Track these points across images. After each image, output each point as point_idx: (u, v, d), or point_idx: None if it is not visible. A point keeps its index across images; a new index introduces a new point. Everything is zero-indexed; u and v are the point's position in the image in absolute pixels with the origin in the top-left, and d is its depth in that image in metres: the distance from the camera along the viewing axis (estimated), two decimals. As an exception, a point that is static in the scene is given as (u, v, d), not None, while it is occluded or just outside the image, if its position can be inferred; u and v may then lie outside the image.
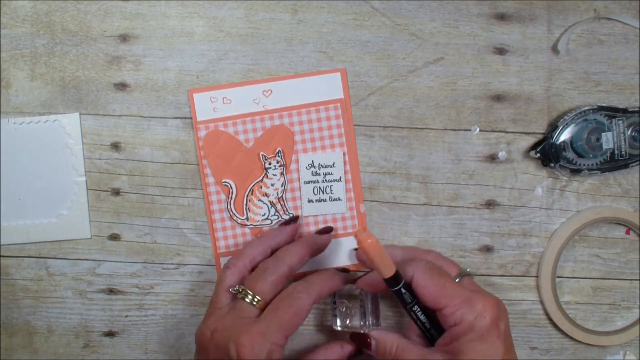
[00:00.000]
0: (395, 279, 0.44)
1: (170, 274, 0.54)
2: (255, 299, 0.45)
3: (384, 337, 0.47)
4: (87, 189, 0.53)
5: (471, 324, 0.43)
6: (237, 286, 0.46)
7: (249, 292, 0.45)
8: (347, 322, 0.49)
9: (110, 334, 0.54)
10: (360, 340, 0.48)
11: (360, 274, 0.52)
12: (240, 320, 0.44)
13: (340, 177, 0.52)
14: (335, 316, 0.50)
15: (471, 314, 0.43)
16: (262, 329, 0.43)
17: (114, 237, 0.53)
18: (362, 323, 0.48)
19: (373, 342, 0.47)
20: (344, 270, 0.51)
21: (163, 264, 0.53)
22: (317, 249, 0.50)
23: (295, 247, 0.48)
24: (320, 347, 0.50)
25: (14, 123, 0.52)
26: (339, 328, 0.49)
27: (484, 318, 0.43)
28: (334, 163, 0.52)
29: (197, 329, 0.47)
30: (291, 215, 0.52)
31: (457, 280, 0.47)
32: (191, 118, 0.52)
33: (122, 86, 0.52)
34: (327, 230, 0.52)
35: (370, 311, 0.49)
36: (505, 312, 0.45)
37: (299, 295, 0.45)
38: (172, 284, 0.54)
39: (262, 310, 0.45)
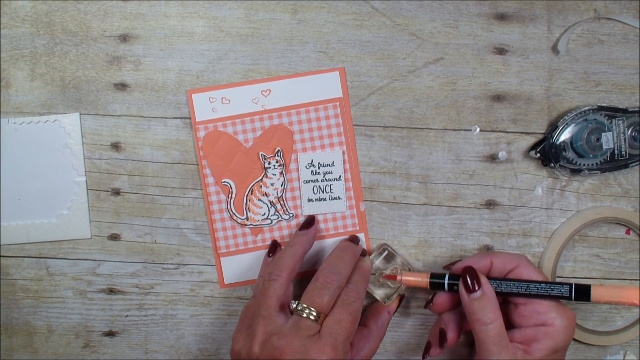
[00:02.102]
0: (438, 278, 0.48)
1: (170, 274, 0.54)
2: (318, 315, 0.45)
3: (493, 298, 0.46)
4: (87, 189, 0.53)
5: (562, 330, 0.44)
6: (297, 303, 0.46)
7: (311, 308, 0.45)
8: (391, 286, 0.51)
9: (110, 334, 0.54)
10: (470, 278, 0.47)
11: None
12: (307, 340, 0.44)
13: (340, 176, 0.52)
14: (378, 294, 0.51)
15: (564, 320, 0.45)
16: (332, 344, 0.44)
17: (114, 237, 0.53)
18: (405, 268, 0.51)
19: (479, 292, 0.46)
20: (355, 240, 0.52)
21: (163, 264, 0.53)
22: (359, 256, 0.51)
23: (347, 257, 0.49)
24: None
25: (14, 123, 0.52)
26: (384, 302, 0.51)
27: (571, 329, 0.45)
28: (333, 162, 0.52)
29: (241, 343, 0.46)
30: (292, 214, 0.52)
31: None
32: (191, 118, 0.52)
33: (122, 86, 0.52)
34: (356, 239, 0.52)
35: (399, 260, 0.52)
36: None
37: (353, 301, 0.46)
38: (172, 284, 0.54)
39: (322, 323, 0.45)
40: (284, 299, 0.46)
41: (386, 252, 0.52)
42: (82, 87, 0.52)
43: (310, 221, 0.51)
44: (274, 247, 0.52)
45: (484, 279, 0.46)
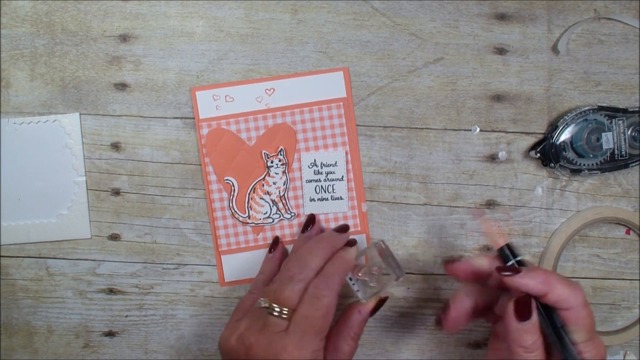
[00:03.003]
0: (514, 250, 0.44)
1: (170, 274, 0.54)
2: (284, 312, 0.43)
3: (536, 327, 0.42)
4: (87, 189, 0.53)
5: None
6: (262, 300, 0.44)
7: (275, 305, 0.43)
8: (372, 285, 0.47)
9: (110, 334, 0.54)
10: (521, 306, 0.42)
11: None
12: (274, 336, 0.42)
13: (342, 176, 0.52)
14: (357, 291, 0.47)
15: (598, 355, 0.42)
16: (297, 342, 0.42)
17: (114, 237, 0.53)
18: (385, 277, 0.47)
19: (530, 320, 0.42)
20: (343, 229, 0.49)
21: (163, 264, 0.53)
22: (339, 247, 0.47)
23: (317, 248, 0.46)
24: (340, 317, 0.48)
25: (14, 123, 0.52)
26: (364, 299, 0.47)
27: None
28: (336, 162, 0.52)
29: (225, 334, 0.45)
30: (294, 213, 0.52)
31: None
32: (192, 118, 0.52)
33: (122, 86, 0.52)
34: (344, 228, 0.49)
35: (390, 262, 0.47)
36: None
37: (322, 294, 0.43)
38: (172, 284, 0.54)
39: (292, 319, 0.43)
40: None
41: (377, 249, 0.48)
42: (82, 87, 0.52)
43: (310, 222, 0.51)
44: (275, 244, 0.51)
45: (534, 306, 0.42)
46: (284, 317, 0.43)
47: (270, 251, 0.51)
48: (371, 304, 0.47)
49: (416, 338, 0.55)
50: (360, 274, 0.48)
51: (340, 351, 0.46)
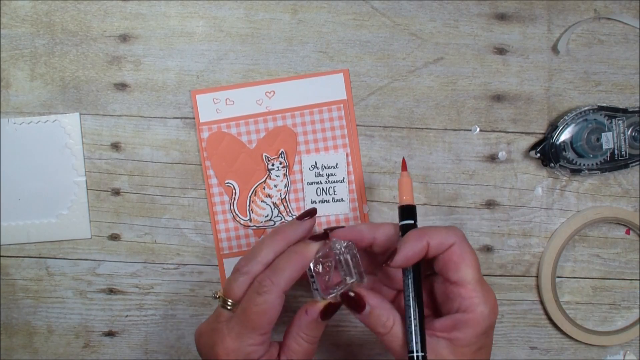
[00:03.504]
0: (412, 212, 0.43)
1: (170, 274, 0.54)
2: (228, 303, 0.43)
3: (382, 307, 0.42)
4: (87, 189, 0.53)
5: (483, 317, 0.41)
6: (215, 292, 0.46)
7: (224, 296, 0.43)
8: (329, 284, 0.43)
9: (110, 334, 0.54)
10: (352, 302, 0.42)
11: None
12: (216, 325, 0.43)
13: (344, 178, 0.52)
14: (315, 289, 0.43)
15: (486, 307, 0.41)
16: (234, 335, 0.42)
17: (114, 237, 0.53)
18: (346, 278, 0.43)
19: (367, 308, 0.42)
20: (309, 213, 0.46)
21: (163, 264, 0.53)
22: (297, 239, 0.44)
23: (269, 240, 0.44)
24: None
25: (14, 123, 0.52)
26: (321, 299, 0.43)
27: (493, 314, 0.41)
28: (337, 164, 0.52)
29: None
30: (295, 216, 0.52)
31: None
32: (192, 118, 0.52)
33: (122, 86, 0.52)
34: (310, 212, 0.46)
35: (352, 264, 0.43)
36: None
37: (264, 289, 0.41)
38: (172, 284, 0.54)
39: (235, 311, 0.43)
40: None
41: (345, 247, 0.44)
42: (82, 87, 0.52)
43: (310, 214, 0.46)
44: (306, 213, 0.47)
45: (367, 295, 0.42)
46: (228, 309, 0.43)
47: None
48: (320, 305, 0.43)
49: (416, 338, 0.55)
50: (319, 270, 0.43)
51: (291, 350, 0.43)
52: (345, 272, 0.43)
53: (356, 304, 0.42)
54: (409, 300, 0.42)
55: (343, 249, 0.43)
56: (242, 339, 0.42)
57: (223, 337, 0.42)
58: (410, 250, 0.41)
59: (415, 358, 0.41)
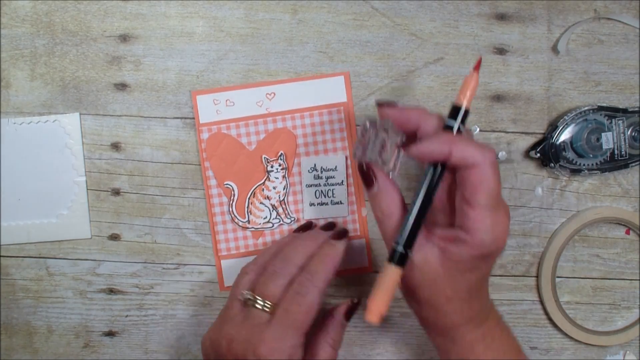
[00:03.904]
0: (465, 117, 0.40)
1: (170, 274, 0.54)
2: (267, 305, 0.43)
3: (387, 192, 0.42)
4: (87, 189, 0.53)
5: (482, 243, 0.39)
6: (246, 292, 0.44)
7: (258, 297, 0.44)
8: (368, 153, 0.43)
9: (110, 334, 0.54)
10: (365, 175, 0.43)
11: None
12: (254, 329, 0.43)
13: (342, 181, 0.52)
14: (357, 149, 0.43)
15: (487, 236, 0.39)
16: (277, 335, 0.42)
17: (114, 237, 0.53)
18: (382, 153, 0.42)
19: (375, 187, 0.43)
20: (329, 227, 0.49)
21: (163, 264, 0.53)
22: (323, 242, 0.47)
23: (302, 245, 0.46)
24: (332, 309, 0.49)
25: (14, 123, 0.52)
26: (357, 159, 0.44)
27: (496, 243, 0.40)
28: (336, 167, 0.52)
29: (205, 335, 0.46)
30: (293, 218, 0.52)
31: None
32: (192, 118, 0.52)
33: (122, 86, 0.52)
34: (330, 226, 0.49)
35: (389, 144, 0.42)
36: None
37: (306, 290, 0.43)
38: (172, 284, 0.54)
39: (274, 313, 0.43)
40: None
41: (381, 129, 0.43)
42: (82, 87, 0.52)
43: (306, 228, 0.51)
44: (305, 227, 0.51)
45: (380, 177, 0.43)
46: (266, 311, 0.43)
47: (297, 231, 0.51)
48: (344, 306, 0.48)
49: (416, 338, 0.55)
50: (364, 137, 0.43)
51: (316, 356, 0.46)
52: (381, 148, 0.43)
53: (366, 179, 0.43)
54: (416, 196, 0.41)
55: (389, 129, 0.43)
56: (285, 340, 0.42)
57: (264, 339, 0.42)
58: (427, 148, 0.40)
59: (395, 250, 0.41)
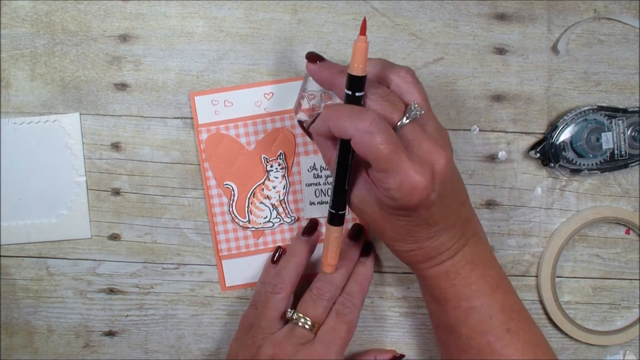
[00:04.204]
0: (361, 83, 0.41)
1: (170, 274, 0.54)
2: (311, 324, 0.46)
3: (325, 146, 0.44)
4: (87, 189, 0.53)
5: (394, 198, 0.40)
6: (292, 312, 0.47)
7: (306, 317, 0.47)
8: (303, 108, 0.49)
9: (110, 333, 0.54)
10: (306, 131, 0.49)
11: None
12: (300, 347, 0.45)
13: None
14: (298, 103, 0.49)
15: (398, 193, 0.39)
16: (323, 352, 0.45)
17: (114, 237, 0.53)
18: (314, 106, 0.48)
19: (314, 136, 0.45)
20: (355, 234, 0.51)
21: (163, 264, 0.53)
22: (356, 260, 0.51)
23: (342, 267, 0.49)
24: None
25: (14, 123, 0.52)
26: (295, 111, 0.50)
27: (410, 202, 0.40)
28: None
29: (234, 348, 0.48)
30: (294, 217, 0.52)
31: (404, 122, 0.41)
32: (191, 118, 0.52)
33: (122, 86, 0.52)
34: (358, 230, 0.51)
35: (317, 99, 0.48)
36: (443, 178, 0.41)
37: (350, 311, 0.47)
38: (172, 284, 0.54)
39: (316, 332, 0.47)
40: (284, 310, 0.48)
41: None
42: (82, 87, 0.52)
43: (312, 226, 0.51)
44: (278, 254, 0.52)
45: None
46: (311, 330, 0.46)
47: (272, 261, 0.51)
48: (389, 355, 0.53)
49: (416, 338, 0.55)
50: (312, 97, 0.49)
51: None
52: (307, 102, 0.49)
53: (306, 133, 0.50)
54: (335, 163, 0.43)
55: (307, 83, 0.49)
56: (330, 357, 0.45)
57: (311, 356, 0.45)
58: (315, 128, 0.43)
59: (328, 211, 0.45)
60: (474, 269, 0.44)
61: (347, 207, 0.45)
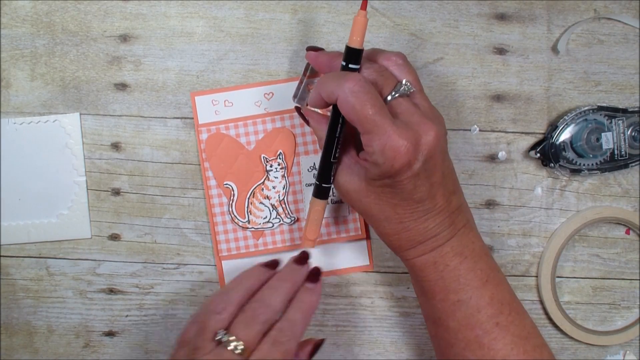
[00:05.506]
0: (357, 56, 0.42)
1: (170, 274, 0.54)
2: (241, 348, 0.41)
3: (319, 123, 0.46)
4: (87, 189, 0.53)
5: (377, 163, 0.40)
6: (223, 333, 0.41)
7: (238, 341, 0.41)
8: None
9: (110, 333, 0.54)
10: (301, 116, 0.50)
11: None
12: None
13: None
14: (299, 91, 0.51)
15: (380, 157, 0.40)
16: None
17: (114, 237, 0.53)
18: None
19: (311, 122, 0.47)
20: (302, 259, 0.46)
21: (163, 263, 0.53)
22: (301, 282, 0.45)
23: (282, 288, 0.44)
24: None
25: (14, 123, 0.52)
26: (294, 97, 0.51)
27: (392, 167, 0.40)
28: None
29: None
30: (294, 217, 0.52)
31: (394, 95, 0.42)
32: (191, 118, 0.52)
33: (122, 86, 0.52)
34: (304, 257, 0.46)
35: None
36: (429, 148, 0.41)
37: (287, 340, 0.42)
38: (172, 284, 0.54)
39: (248, 356, 0.41)
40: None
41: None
42: (82, 87, 0.52)
43: (303, 259, 0.46)
44: (273, 266, 0.47)
45: (310, 114, 0.47)
46: (240, 354, 0.41)
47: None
48: (309, 347, 0.45)
49: (416, 338, 0.55)
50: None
51: None
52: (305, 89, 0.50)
53: (302, 118, 0.49)
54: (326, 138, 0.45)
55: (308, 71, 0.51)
56: None
57: None
58: (310, 99, 0.45)
59: (314, 184, 0.46)
60: (462, 262, 0.44)
61: (332, 185, 0.45)
